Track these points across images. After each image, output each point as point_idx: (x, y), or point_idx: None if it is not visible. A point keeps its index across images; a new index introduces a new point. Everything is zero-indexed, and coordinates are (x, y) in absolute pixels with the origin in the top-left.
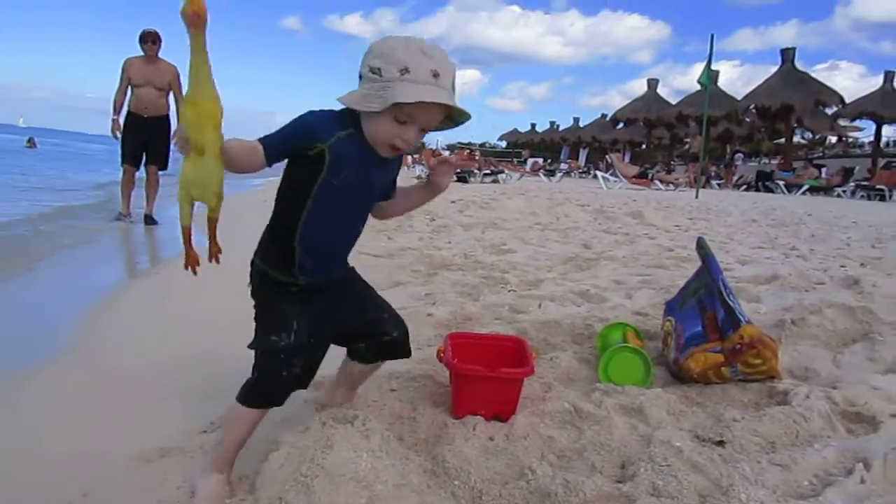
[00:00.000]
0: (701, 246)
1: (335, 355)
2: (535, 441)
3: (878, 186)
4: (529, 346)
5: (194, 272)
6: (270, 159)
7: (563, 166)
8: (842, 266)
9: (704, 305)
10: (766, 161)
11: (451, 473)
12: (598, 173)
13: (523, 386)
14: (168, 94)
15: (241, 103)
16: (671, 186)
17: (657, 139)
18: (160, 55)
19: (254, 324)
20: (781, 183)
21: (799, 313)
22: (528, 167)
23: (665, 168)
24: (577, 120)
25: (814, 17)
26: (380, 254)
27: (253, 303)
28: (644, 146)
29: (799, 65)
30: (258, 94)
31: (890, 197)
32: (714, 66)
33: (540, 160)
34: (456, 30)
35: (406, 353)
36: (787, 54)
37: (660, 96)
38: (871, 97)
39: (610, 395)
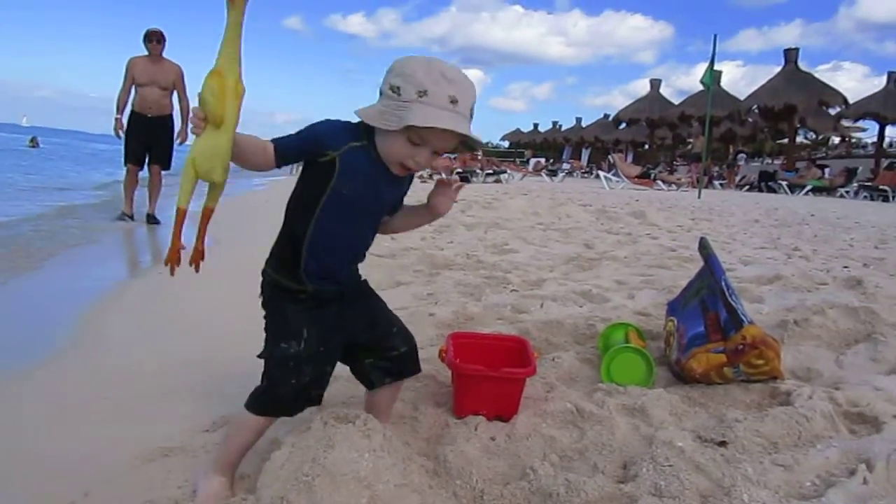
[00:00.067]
0: (703, 246)
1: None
2: (536, 441)
3: (881, 187)
4: (531, 346)
5: (172, 271)
6: (280, 161)
7: (566, 166)
8: (845, 267)
9: (707, 306)
10: (769, 161)
11: (453, 473)
12: (601, 173)
13: (525, 386)
14: (172, 94)
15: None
16: (674, 186)
17: (660, 139)
18: (164, 55)
19: (261, 328)
20: (784, 183)
21: (801, 314)
22: (530, 167)
23: (667, 168)
24: (579, 120)
25: (817, 18)
26: (382, 253)
27: (263, 313)
28: (647, 146)
29: (802, 65)
30: (258, 93)
31: (893, 198)
32: (717, 67)
33: (542, 160)
34: (458, 30)
35: (415, 369)
36: (791, 55)
37: (662, 96)
38: (875, 98)
39: (612, 396)
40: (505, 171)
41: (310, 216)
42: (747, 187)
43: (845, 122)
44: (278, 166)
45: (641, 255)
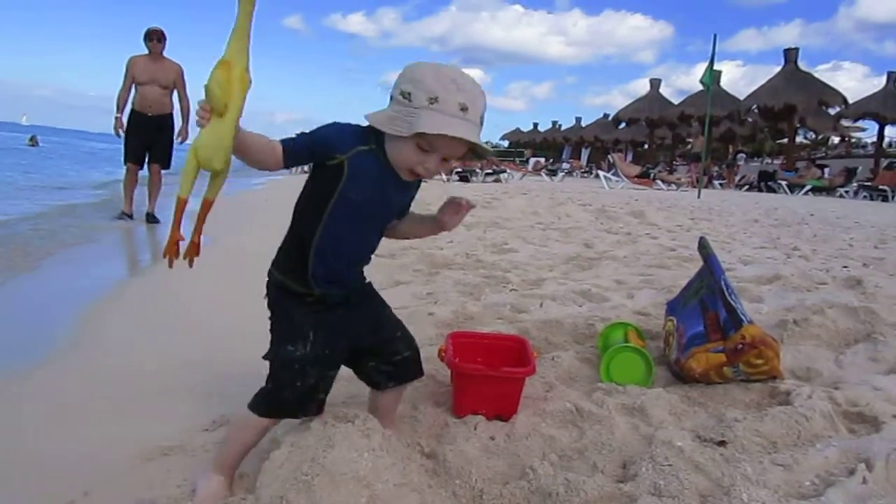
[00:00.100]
0: (703, 246)
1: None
2: (536, 440)
3: (880, 187)
4: (531, 346)
5: (170, 263)
6: (288, 161)
7: (565, 166)
8: (844, 266)
9: (706, 305)
10: (769, 161)
11: (452, 473)
12: (600, 173)
13: (525, 385)
14: (172, 93)
15: None
16: (673, 186)
17: (659, 139)
18: (164, 54)
19: (260, 328)
20: (784, 183)
21: (801, 313)
22: (530, 167)
23: (667, 168)
24: (579, 120)
25: (817, 18)
26: (381, 253)
27: (269, 314)
28: (646, 146)
29: (802, 65)
30: (259, 93)
31: (892, 197)
32: (717, 66)
33: (542, 160)
34: (458, 29)
35: (418, 373)
36: (791, 54)
37: (662, 96)
38: (874, 98)
39: (611, 395)
40: (504, 171)
41: (318, 220)
42: (747, 187)
43: (845, 122)
44: (286, 167)
45: (641, 255)
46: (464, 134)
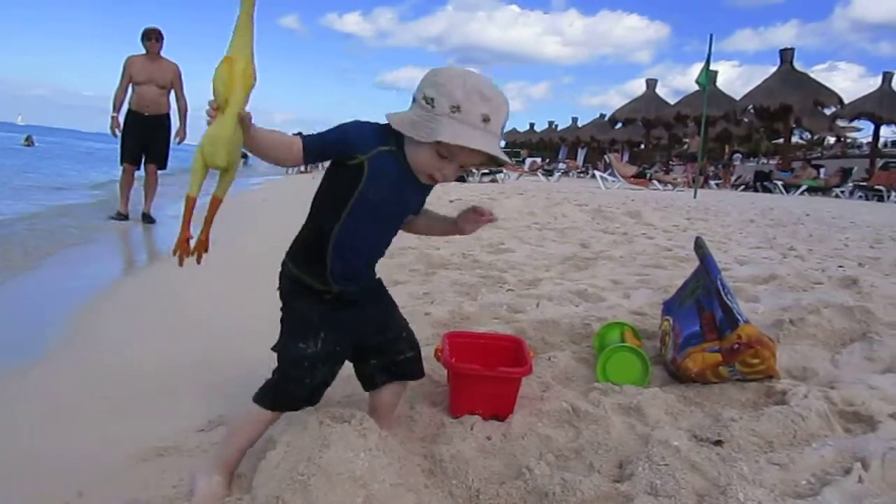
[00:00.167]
0: (699, 246)
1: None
2: (532, 440)
3: (876, 187)
4: (527, 346)
5: (180, 261)
6: (308, 158)
7: (562, 166)
8: (840, 266)
9: (702, 305)
10: (765, 161)
11: (449, 473)
12: (597, 173)
13: (521, 385)
14: (169, 93)
15: None
16: (669, 186)
17: (656, 139)
18: (162, 54)
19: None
20: (780, 183)
21: (797, 313)
22: (526, 167)
23: (663, 168)
24: (575, 120)
25: (813, 18)
26: None
27: (280, 304)
28: (642, 146)
29: (798, 65)
30: (256, 93)
31: (888, 197)
32: (713, 67)
33: (538, 160)
34: (455, 29)
35: (419, 373)
36: (786, 55)
37: (658, 96)
38: (870, 98)
39: (608, 395)
40: (501, 171)
41: (336, 217)
42: (743, 187)
43: (840, 123)
44: (305, 164)
45: (637, 255)
46: (484, 146)
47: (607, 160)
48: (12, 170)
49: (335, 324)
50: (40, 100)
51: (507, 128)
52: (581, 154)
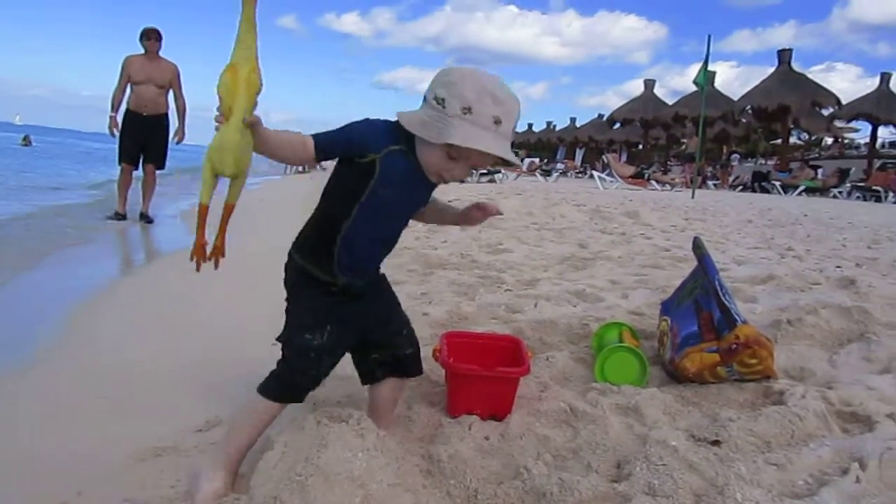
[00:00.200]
0: (697, 246)
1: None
2: (530, 440)
3: (873, 187)
4: (525, 346)
5: (198, 267)
6: (319, 156)
7: (560, 166)
8: (837, 266)
9: (700, 305)
10: (763, 162)
11: (447, 473)
12: (595, 173)
13: (519, 385)
14: (168, 93)
15: None
16: (667, 187)
17: (654, 139)
18: (161, 54)
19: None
20: (777, 184)
21: (795, 313)
22: (524, 167)
23: (661, 168)
24: (573, 120)
25: (811, 19)
26: None
27: (286, 296)
28: (640, 146)
29: (796, 66)
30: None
31: (885, 198)
32: (711, 67)
33: (536, 160)
34: (453, 29)
35: (417, 370)
36: (784, 55)
37: (656, 97)
38: (868, 99)
39: (606, 395)
40: (499, 171)
41: (347, 213)
42: (741, 188)
43: (838, 123)
44: (317, 161)
45: (635, 255)
46: (494, 149)
47: (605, 160)
48: (9, 170)
49: (341, 316)
50: (39, 100)
51: None
52: (579, 154)
